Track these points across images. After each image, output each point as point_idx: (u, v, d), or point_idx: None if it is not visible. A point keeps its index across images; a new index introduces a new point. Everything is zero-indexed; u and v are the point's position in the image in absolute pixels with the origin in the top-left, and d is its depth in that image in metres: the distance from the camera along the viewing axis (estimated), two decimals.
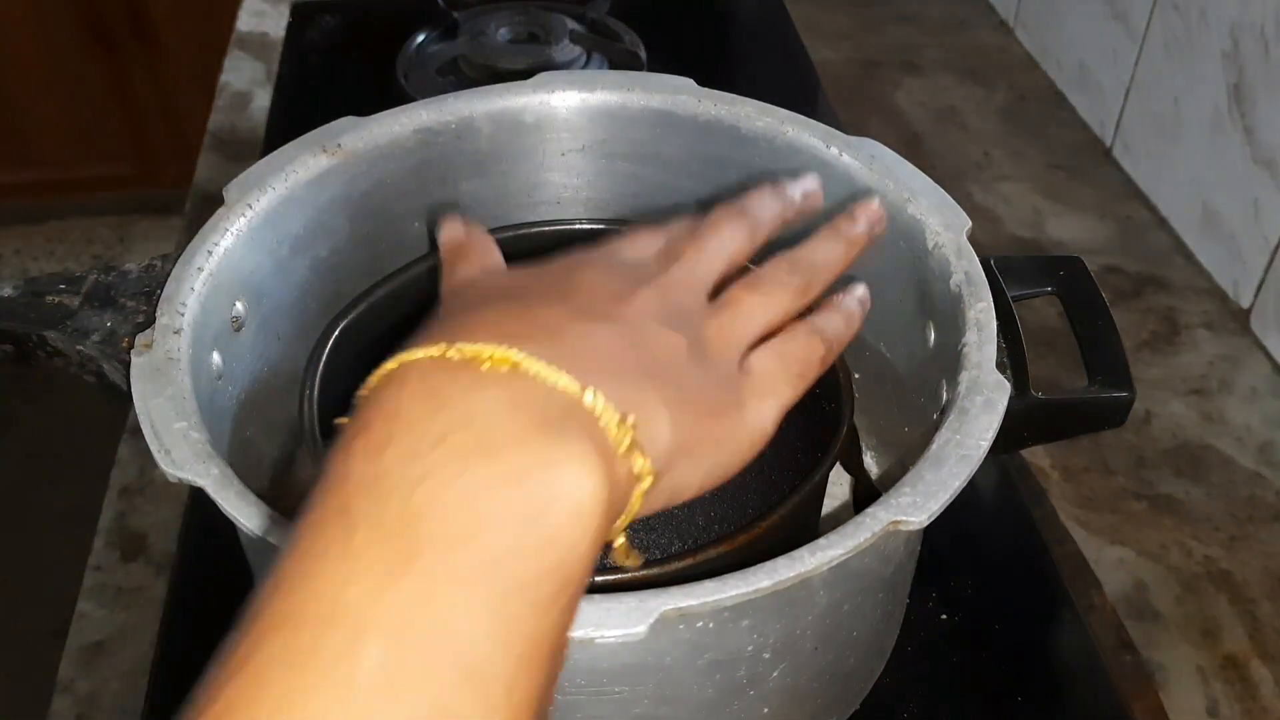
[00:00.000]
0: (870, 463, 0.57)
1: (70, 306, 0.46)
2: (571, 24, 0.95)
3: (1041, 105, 0.99)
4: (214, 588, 0.55)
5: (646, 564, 0.42)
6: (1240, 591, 0.61)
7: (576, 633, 0.33)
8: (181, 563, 0.57)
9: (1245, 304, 0.77)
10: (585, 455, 0.27)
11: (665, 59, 0.93)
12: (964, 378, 0.41)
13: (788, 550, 0.35)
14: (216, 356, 0.45)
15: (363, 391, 0.30)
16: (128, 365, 0.41)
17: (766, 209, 0.41)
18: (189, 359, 0.42)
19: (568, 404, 0.29)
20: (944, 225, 0.47)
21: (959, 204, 0.48)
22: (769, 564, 0.34)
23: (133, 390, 0.40)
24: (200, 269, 0.44)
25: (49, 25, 1.83)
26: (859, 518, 0.36)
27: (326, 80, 0.95)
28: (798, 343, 0.38)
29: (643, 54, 0.94)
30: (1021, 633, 0.55)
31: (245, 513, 0.36)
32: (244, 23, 1.04)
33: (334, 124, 0.52)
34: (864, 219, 0.42)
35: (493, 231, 0.55)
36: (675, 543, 0.43)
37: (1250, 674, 0.57)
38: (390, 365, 0.30)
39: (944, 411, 0.41)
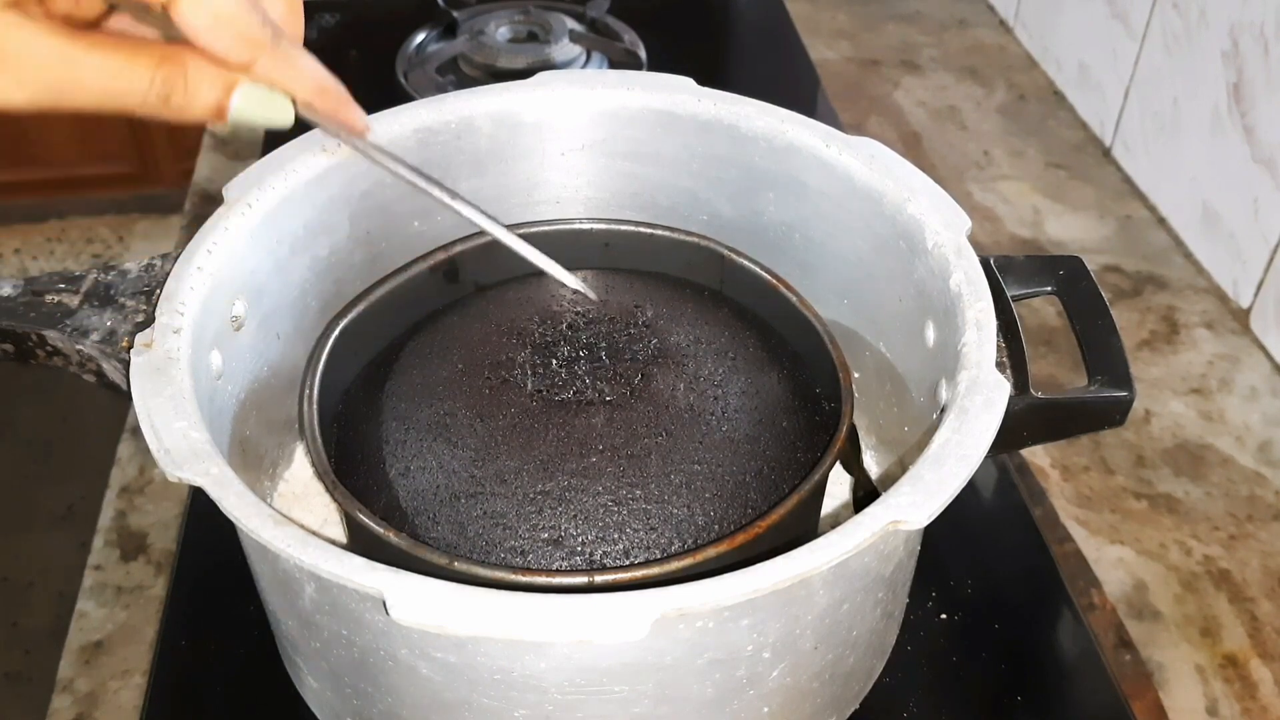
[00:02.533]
0: (870, 463, 0.57)
1: (70, 306, 0.46)
2: (571, 23, 0.95)
3: (1041, 104, 0.99)
4: (214, 588, 0.55)
5: (646, 563, 0.42)
6: (1240, 591, 0.61)
7: (577, 633, 0.33)
8: (181, 563, 0.57)
9: (1245, 303, 0.77)
10: None
11: (665, 59, 0.94)
12: (964, 377, 0.41)
13: (788, 550, 0.35)
14: (216, 356, 0.45)
15: None
16: (127, 365, 0.41)
17: None
18: (189, 358, 0.42)
19: None
20: (944, 225, 0.47)
21: (959, 203, 0.48)
22: (769, 564, 0.34)
23: (133, 390, 0.40)
24: (200, 268, 0.45)
25: None
26: (859, 518, 0.36)
27: None
28: None
29: (643, 54, 0.94)
30: (1021, 632, 0.55)
31: (245, 513, 0.36)
32: None
33: None
34: None
35: None
36: (675, 543, 0.43)
37: (1250, 673, 0.57)
38: None
39: (944, 411, 0.41)
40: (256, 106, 0.32)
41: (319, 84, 0.35)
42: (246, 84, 0.32)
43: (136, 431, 0.67)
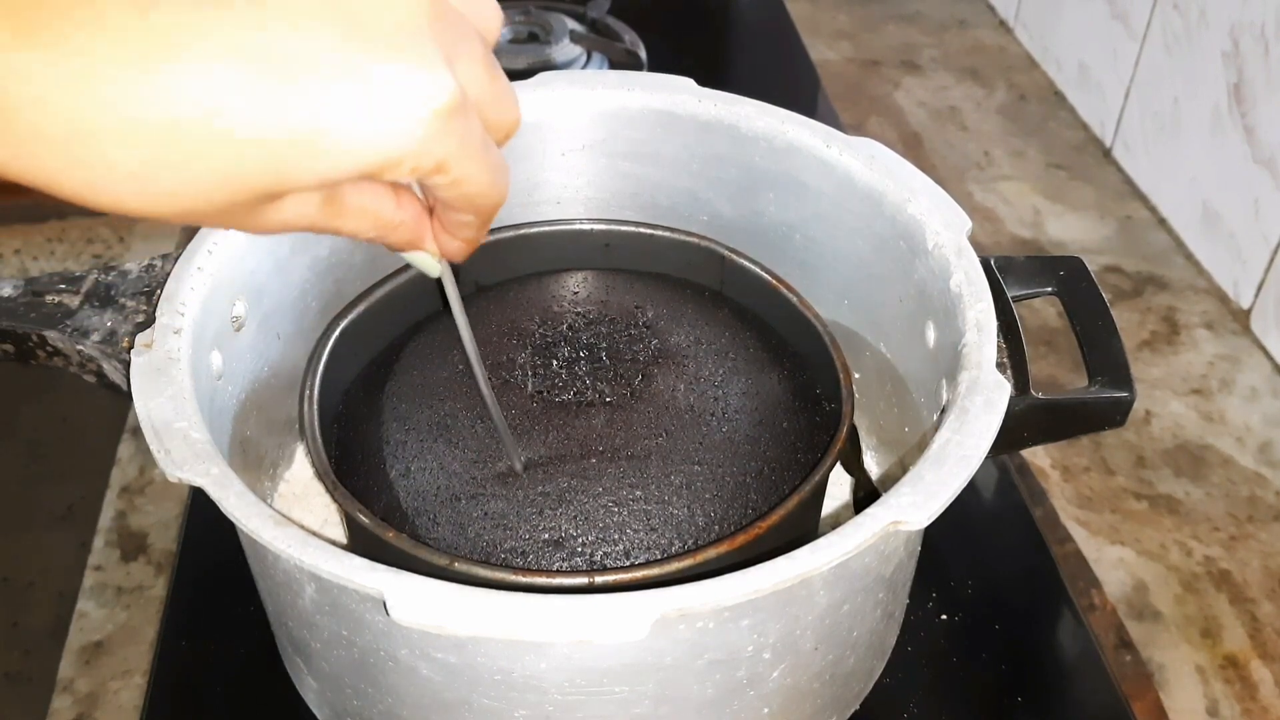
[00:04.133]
0: (870, 463, 0.57)
1: (70, 306, 0.46)
2: (571, 24, 0.95)
3: (1041, 105, 0.99)
4: (214, 588, 0.55)
5: (646, 564, 0.42)
6: (1240, 591, 0.61)
7: (577, 633, 0.33)
8: (181, 563, 0.57)
9: (1245, 304, 0.77)
10: None
11: (665, 59, 0.94)
12: (964, 378, 0.41)
13: (788, 550, 0.35)
14: (216, 356, 0.45)
15: None
16: (128, 365, 0.41)
17: None
18: (189, 359, 0.42)
19: None
20: (944, 225, 0.47)
21: (959, 204, 0.48)
22: (769, 564, 0.34)
23: (133, 390, 0.40)
24: (200, 269, 0.44)
25: None
26: (859, 518, 0.36)
27: None
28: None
29: (643, 54, 0.94)
30: (1021, 633, 0.55)
31: (245, 513, 0.36)
32: None
33: None
34: None
35: (493, 231, 0.55)
36: (675, 543, 0.43)
37: (1250, 674, 0.57)
38: None
39: (944, 411, 0.41)
40: (419, 262, 0.37)
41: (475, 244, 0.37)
42: (421, 252, 0.36)
43: (136, 431, 0.67)
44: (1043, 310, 0.76)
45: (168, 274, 0.45)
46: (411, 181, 0.32)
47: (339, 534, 0.52)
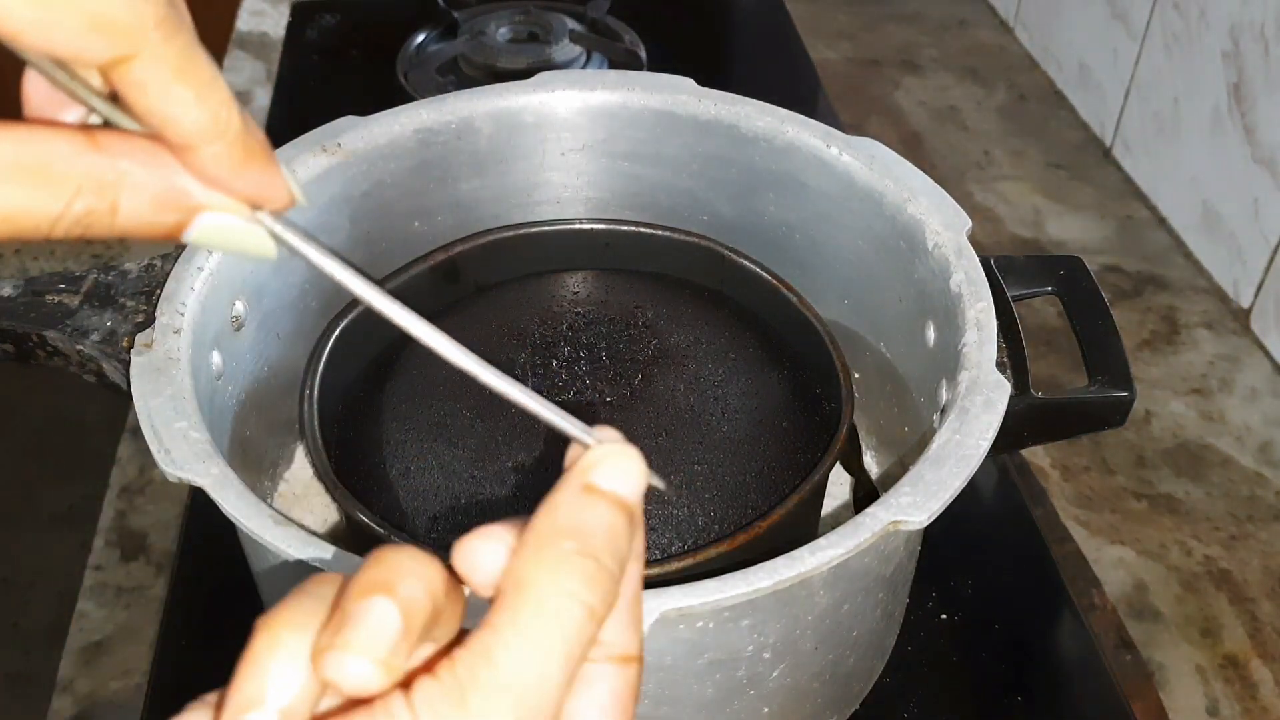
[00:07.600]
0: (870, 463, 0.57)
1: (70, 306, 0.46)
2: (571, 24, 0.95)
3: (1041, 105, 0.99)
4: (214, 588, 0.55)
5: (646, 564, 0.42)
6: (1240, 591, 0.61)
7: None
8: (181, 563, 0.57)
9: (1245, 303, 0.77)
10: None
11: (665, 59, 0.93)
12: (964, 377, 0.41)
13: (788, 550, 0.35)
14: (216, 356, 0.45)
15: None
16: (128, 365, 0.41)
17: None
18: (189, 359, 0.42)
19: None
20: (944, 225, 0.47)
21: (959, 204, 0.48)
22: (769, 564, 0.34)
23: (133, 390, 0.40)
24: (200, 268, 0.44)
25: None
26: (859, 518, 0.36)
27: (326, 80, 0.95)
28: None
29: (643, 54, 0.94)
30: (1021, 632, 0.55)
31: (245, 513, 0.36)
32: (244, 22, 1.04)
33: (334, 123, 0.52)
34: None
35: (493, 232, 0.55)
36: (675, 543, 0.43)
37: (1250, 673, 0.57)
38: None
39: (944, 411, 0.41)
40: (217, 238, 0.24)
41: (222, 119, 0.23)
42: (209, 214, 0.24)
43: (136, 431, 0.67)
44: (1043, 310, 0.76)
45: (167, 274, 0.45)
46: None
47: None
